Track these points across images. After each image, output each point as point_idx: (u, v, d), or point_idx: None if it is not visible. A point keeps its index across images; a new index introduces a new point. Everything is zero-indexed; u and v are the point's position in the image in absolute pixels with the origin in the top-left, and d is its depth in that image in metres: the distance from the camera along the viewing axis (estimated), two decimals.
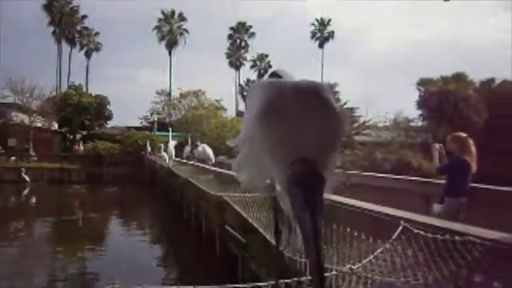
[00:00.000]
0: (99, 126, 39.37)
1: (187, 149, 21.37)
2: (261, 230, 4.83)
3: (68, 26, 50.14)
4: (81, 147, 33.62)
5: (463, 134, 5.42)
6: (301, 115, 1.14)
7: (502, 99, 31.69)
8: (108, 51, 74.87)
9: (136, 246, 11.90)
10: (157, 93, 44.99)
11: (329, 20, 56.34)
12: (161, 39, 52.40)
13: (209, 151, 15.19)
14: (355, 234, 3.40)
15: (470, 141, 5.29)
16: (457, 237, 2.46)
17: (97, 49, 53.27)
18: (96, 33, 52.86)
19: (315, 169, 1.05)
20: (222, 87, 73.41)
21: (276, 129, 1.14)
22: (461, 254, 2.32)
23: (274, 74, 1.48)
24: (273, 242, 4.34)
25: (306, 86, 1.22)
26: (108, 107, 39.94)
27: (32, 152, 31.52)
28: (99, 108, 38.77)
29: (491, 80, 34.82)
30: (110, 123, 41.51)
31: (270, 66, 56.29)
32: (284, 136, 1.12)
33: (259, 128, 1.19)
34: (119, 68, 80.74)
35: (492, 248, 2.24)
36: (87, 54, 52.83)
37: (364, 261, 2.70)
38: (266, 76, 1.58)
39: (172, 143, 19.22)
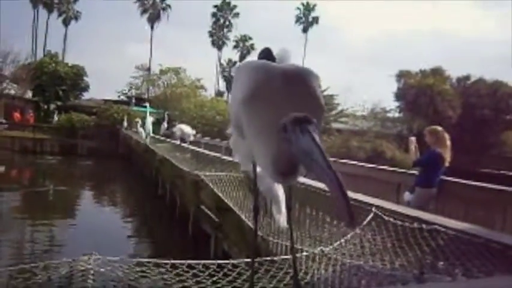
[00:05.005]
0: (74, 98, 38.37)
1: (165, 126, 21.16)
2: (235, 210, 4.89)
3: None
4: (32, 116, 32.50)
5: (439, 128, 5.60)
6: (285, 100, 1.18)
7: (475, 97, 32.62)
8: (88, 21, 72.40)
9: (108, 221, 11.84)
10: (137, 67, 44.07)
11: (314, 5, 56.17)
12: (143, 12, 51.09)
13: (187, 129, 15.15)
14: (328, 219, 3.50)
15: (446, 135, 5.49)
16: (424, 226, 2.57)
17: (76, 17, 51.49)
18: (76, 0, 51.06)
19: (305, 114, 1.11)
20: (203, 66, 72.46)
21: (260, 114, 1.18)
22: (427, 241, 2.44)
23: (266, 51, 1.49)
24: (247, 221, 4.42)
25: (292, 72, 1.26)
26: (85, 78, 38.94)
27: (2, 120, 30.54)
28: (76, 79, 37.75)
29: (467, 78, 35.65)
30: (86, 95, 40.60)
31: (253, 48, 55.79)
32: (268, 118, 1.15)
33: (244, 113, 1.23)
34: (99, 39, 78.29)
35: (456, 237, 2.37)
36: (65, 22, 51.04)
37: (335, 244, 2.79)
38: (257, 53, 1.59)
39: (150, 119, 18.93)
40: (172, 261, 2.18)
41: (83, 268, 1.99)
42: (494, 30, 73.44)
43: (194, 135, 15.58)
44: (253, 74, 1.27)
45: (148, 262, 2.22)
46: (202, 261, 2.29)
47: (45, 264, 2.05)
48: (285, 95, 1.19)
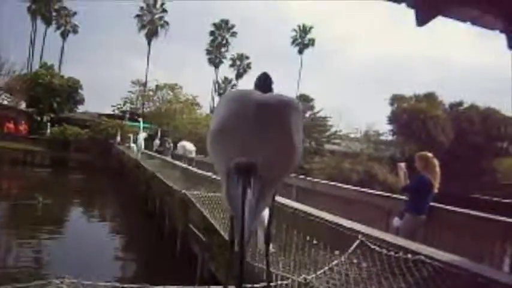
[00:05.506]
0: (69, 110, 38.23)
1: (157, 142, 21.06)
2: (221, 231, 4.80)
3: (45, 4, 48.43)
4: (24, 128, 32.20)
5: (429, 154, 5.60)
6: (251, 138, 1.10)
7: (467, 123, 32.97)
8: (86, 34, 72.85)
9: (95, 237, 11.62)
10: (133, 82, 44.19)
11: (310, 27, 57.01)
12: (141, 28, 51.50)
13: (189, 146, 15.34)
14: (314, 242, 3.43)
15: (435, 161, 5.47)
16: (409, 256, 2.52)
17: (74, 31, 51.81)
18: (74, 14, 51.39)
19: (252, 161, 1.04)
20: (199, 83, 72.91)
21: (222, 151, 1.13)
22: (411, 272, 2.38)
23: (263, 77, 1.39)
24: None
25: (266, 104, 1.15)
26: (80, 91, 38.91)
27: None
28: (71, 92, 37.69)
29: (460, 103, 36.11)
30: (81, 109, 40.51)
31: (249, 67, 56.40)
32: (230, 153, 1.09)
33: (209, 148, 1.20)
34: (96, 53, 78.81)
35: (441, 269, 2.31)
36: (63, 35, 51.30)
37: (318, 273, 2.72)
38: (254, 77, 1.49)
39: (142, 135, 18.85)
40: (147, 286, 2.11)
41: None
42: (487, 58, 74.75)
43: (196, 152, 15.79)
44: (222, 107, 1.21)
45: (123, 287, 2.14)
46: (183, 287, 2.22)
47: (12, 287, 1.96)
48: (252, 132, 1.10)
